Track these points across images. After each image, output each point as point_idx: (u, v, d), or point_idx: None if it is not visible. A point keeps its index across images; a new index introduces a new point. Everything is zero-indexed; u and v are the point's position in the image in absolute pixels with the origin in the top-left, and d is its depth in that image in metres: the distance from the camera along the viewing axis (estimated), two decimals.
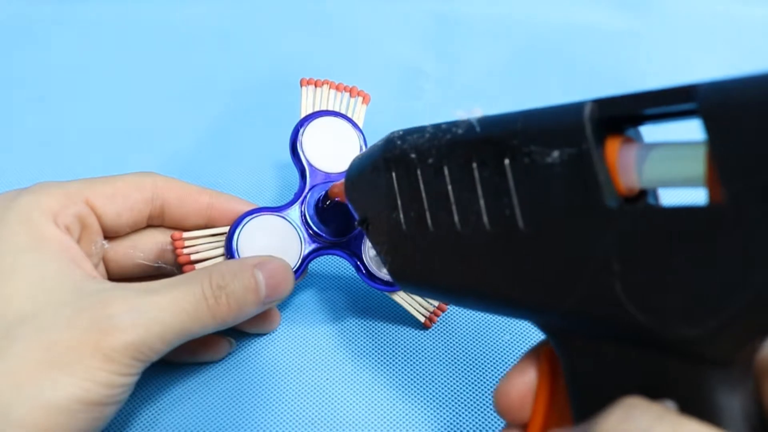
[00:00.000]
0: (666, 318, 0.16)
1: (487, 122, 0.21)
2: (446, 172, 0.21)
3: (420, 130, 0.23)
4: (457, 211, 0.21)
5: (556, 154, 0.18)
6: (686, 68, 0.53)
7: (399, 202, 0.23)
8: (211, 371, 0.33)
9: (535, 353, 0.22)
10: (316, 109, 0.34)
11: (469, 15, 0.57)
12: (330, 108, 0.35)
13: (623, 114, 0.18)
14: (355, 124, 0.35)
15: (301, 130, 0.33)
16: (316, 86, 0.35)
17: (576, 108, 0.18)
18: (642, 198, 0.19)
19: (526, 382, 0.21)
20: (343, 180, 0.28)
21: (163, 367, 0.32)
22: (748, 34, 0.56)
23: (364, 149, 0.35)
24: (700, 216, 0.15)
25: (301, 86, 0.34)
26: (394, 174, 0.23)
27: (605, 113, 0.18)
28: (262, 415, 0.31)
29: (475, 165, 0.20)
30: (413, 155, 0.23)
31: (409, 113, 0.48)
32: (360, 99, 0.35)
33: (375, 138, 0.36)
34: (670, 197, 0.19)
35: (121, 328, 0.24)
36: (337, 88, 0.35)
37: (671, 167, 0.17)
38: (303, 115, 0.34)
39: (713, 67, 0.53)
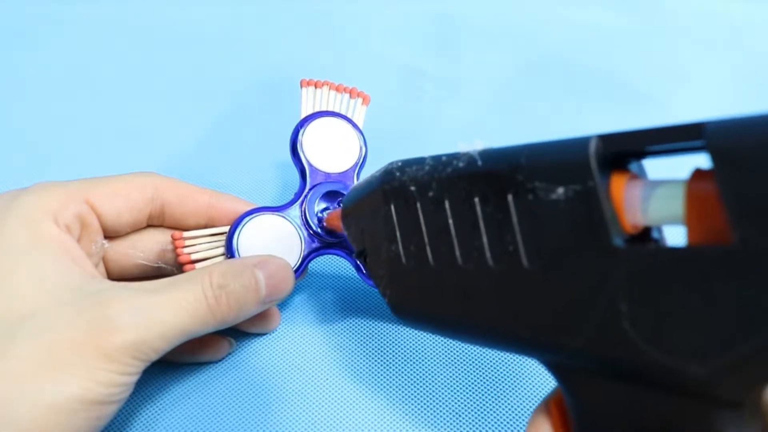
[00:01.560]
0: (675, 357, 0.16)
1: (490, 156, 0.20)
2: (447, 205, 0.21)
3: (419, 162, 0.22)
4: (458, 246, 0.21)
5: (561, 190, 0.18)
6: (686, 68, 0.53)
7: (398, 235, 0.23)
8: (211, 371, 0.33)
9: (545, 406, 0.21)
10: (317, 110, 0.34)
11: (469, 15, 0.57)
12: (330, 109, 0.35)
13: (629, 150, 0.18)
14: (355, 125, 0.35)
15: (301, 131, 0.34)
16: (316, 87, 0.35)
17: (581, 143, 0.18)
18: (647, 234, 0.19)
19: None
20: (339, 210, 0.27)
21: (163, 367, 0.32)
22: (748, 34, 0.56)
23: (363, 149, 0.35)
24: (709, 256, 0.15)
25: (302, 87, 0.34)
26: (393, 206, 0.23)
27: (610, 149, 0.17)
28: (262, 415, 0.31)
29: (477, 200, 0.20)
30: (413, 188, 0.22)
31: (409, 113, 0.48)
32: (360, 100, 0.35)
33: (375, 138, 0.36)
34: (674, 233, 0.19)
35: (121, 327, 0.24)
36: (337, 89, 0.35)
37: (677, 205, 0.16)
38: (303, 115, 0.34)
39: (713, 67, 0.53)
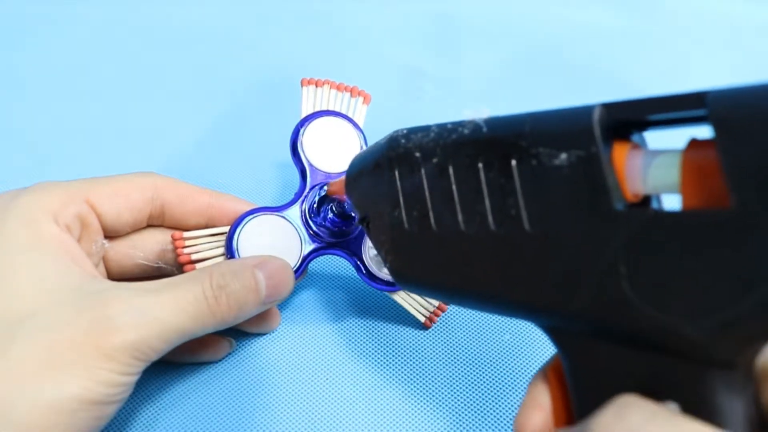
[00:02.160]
0: (672, 317, 0.16)
1: (495, 123, 0.21)
2: (451, 171, 0.21)
3: (425, 129, 0.23)
4: (461, 210, 0.21)
5: (564, 156, 0.18)
6: (686, 68, 0.53)
7: (401, 201, 0.23)
8: (211, 371, 0.33)
9: (543, 374, 0.21)
10: (317, 109, 0.34)
11: (469, 15, 0.57)
12: (330, 108, 0.35)
13: (631, 119, 0.18)
14: (355, 124, 0.35)
15: (301, 130, 0.33)
16: (316, 86, 0.35)
17: (585, 111, 0.18)
18: (646, 203, 0.19)
19: (545, 405, 0.21)
20: (342, 178, 0.28)
21: (163, 367, 0.32)
22: (748, 34, 0.56)
23: (364, 149, 0.34)
24: (707, 220, 0.16)
25: (302, 86, 0.34)
26: (397, 172, 0.23)
27: (613, 117, 0.18)
28: (262, 415, 0.31)
29: (481, 165, 0.20)
30: (417, 154, 0.22)
31: (409, 113, 0.48)
32: (360, 99, 0.35)
33: (376, 138, 0.36)
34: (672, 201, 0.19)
35: (121, 327, 0.24)
36: (338, 88, 0.35)
37: (675, 173, 0.17)
38: (303, 115, 0.34)
39: (713, 67, 0.53)
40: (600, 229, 0.18)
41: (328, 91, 0.35)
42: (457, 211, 0.21)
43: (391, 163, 0.24)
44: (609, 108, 0.18)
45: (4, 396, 0.23)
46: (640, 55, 0.54)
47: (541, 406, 0.21)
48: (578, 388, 0.19)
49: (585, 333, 0.19)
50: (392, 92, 0.49)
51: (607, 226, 0.17)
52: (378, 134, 0.38)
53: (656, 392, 0.17)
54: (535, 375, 0.22)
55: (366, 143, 0.35)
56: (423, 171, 0.22)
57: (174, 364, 0.32)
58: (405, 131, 0.24)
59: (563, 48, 0.54)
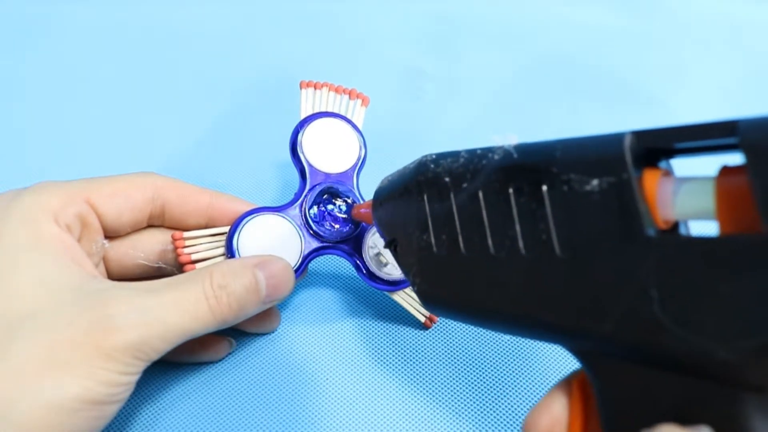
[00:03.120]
0: (704, 340, 0.16)
1: (525, 149, 0.21)
2: (481, 196, 0.22)
3: (454, 155, 0.23)
4: (491, 235, 0.21)
5: (595, 182, 0.19)
6: (686, 68, 0.53)
7: (430, 225, 0.24)
8: (211, 371, 0.33)
9: (566, 384, 0.22)
10: (316, 111, 0.34)
11: (469, 15, 0.57)
12: (330, 110, 0.35)
13: (661, 146, 0.18)
14: (354, 125, 0.35)
15: (301, 131, 0.34)
16: (315, 88, 0.35)
17: (615, 138, 0.18)
18: (675, 230, 0.19)
19: (556, 412, 0.21)
20: (368, 201, 0.28)
21: (163, 367, 0.32)
22: (748, 34, 0.56)
23: (363, 150, 0.35)
24: (740, 244, 0.16)
25: (301, 89, 0.34)
26: (426, 196, 0.24)
27: (643, 144, 0.18)
28: (262, 415, 0.31)
29: (511, 191, 0.21)
30: (447, 179, 0.23)
31: (410, 113, 0.48)
32: (359, 101, 0.35)
33: (375, 138, 0.36)
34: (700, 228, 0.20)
35: (122, 327, 0.24)
36: (337, 90, 0.35)
37: (707, 200, 0.17)
38: (303, 117, 0.34)
39: (713, 67, 0.53)
40: (631, 253, 0.18)
41: (327, 94, 0.35)
42: (486, 236, 0.22)
43: (420, 188, 0.24)
44: (639, 135, 0.18)
45: (4, 396, 0.23)
46: (640, 55, 0.54)
47: (551, 414, 0.21)
48: (608, 409, 0.19)
49: (616, 356, 0.19)
50: (392, 92, 0.49)
51: (638, 251, 0.18)
52: (378, 134, 0.38)
53: (689, 415, 0.17)
54: (557, 384, 0.22)
55: (365, 144, 0.35)
56: (452, 196, 0.23)
57: (174, 364, 0.32)
58: (434, 156, 0.24)
59: (563, 48, 0.54)
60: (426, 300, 0.24)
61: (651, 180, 0.18)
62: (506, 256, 0.21)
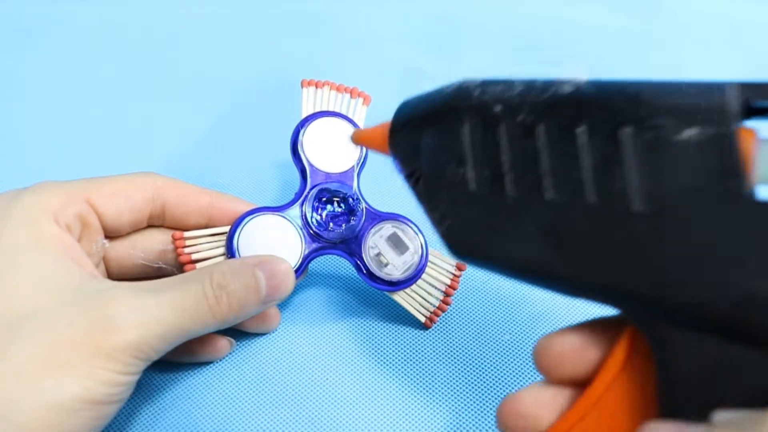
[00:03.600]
0: None
1: (604, 86, 0.19)
2: (542, 131, 0.19)
3: (506, 83, 0.20)
4: (551, 176, 0.19)
5: (692, 131, 0.17)
6: (686, 68, 0.53)
7: (470, 158, 0.20)
8: (211, 371, 0.33)
9: (601, 325, 0.20)
10: (317, 110, 0.34)
11: (469, 15, 0.57)
12: (331, 109, 0.35)
13: (764, 105, 0.17)
14: (356, 125, 0.35)
15: (301, 131, 0.34)
16: (317, 87, 0.35)
17: (718, 87, 0.17)
18: None
19: (574, 342, 0.20)
20: (377, 126, 0.25)
21: (163, 367, 0.32)
22: (748, 34, 0.56)
23: (364, 150, 0.34)
24: None
25: (302, 88, 0.34)
26: (467, 125, 0.20)
27: (747, 98, 0.17)
28: (262, 415, 0.31)
29: (581, 129, 0.18)
30: (497, 108, 0.20)
31: None
32: (360, 100, 0.35)
33: None
34: None
35: (122, 327, 0.24)
36: (338, 89, 0.35)
37: None
38: (304, 116, 0.34)
39: (713, 67, 0.53)
40: (729, 216, 0.16)
41: (328, 93, 0.35)
42: (542, 177, 0.19)
43: (459, 114, 0.21)
44: (743, 87, 0.17)
45: (4, 396, 0.23)
46: (640, 55, 0.54)
47: (571, 343, 0.20)
48: (671, 381, 0.18)
49: (687, 326, 0.17)
50: (392, 92, 0.49)
51: (735, 211, 0.16)
52: None
53: (763, 394, 0.16)
54: (590, 322, 0.20)
55: None
56: (503, 127, 0.20)
57: (174, 364, 0.32)
58: (479, 81, 0.21)
59: (563, 48, 0.54)
60: (456, 245, 0.21)
61: (747, 138, 0.16)
62: (567, 202, 0.18)
